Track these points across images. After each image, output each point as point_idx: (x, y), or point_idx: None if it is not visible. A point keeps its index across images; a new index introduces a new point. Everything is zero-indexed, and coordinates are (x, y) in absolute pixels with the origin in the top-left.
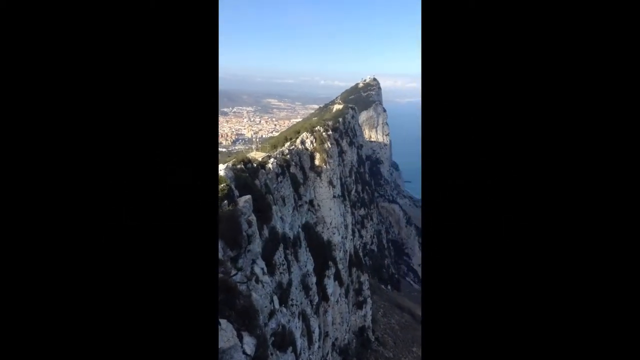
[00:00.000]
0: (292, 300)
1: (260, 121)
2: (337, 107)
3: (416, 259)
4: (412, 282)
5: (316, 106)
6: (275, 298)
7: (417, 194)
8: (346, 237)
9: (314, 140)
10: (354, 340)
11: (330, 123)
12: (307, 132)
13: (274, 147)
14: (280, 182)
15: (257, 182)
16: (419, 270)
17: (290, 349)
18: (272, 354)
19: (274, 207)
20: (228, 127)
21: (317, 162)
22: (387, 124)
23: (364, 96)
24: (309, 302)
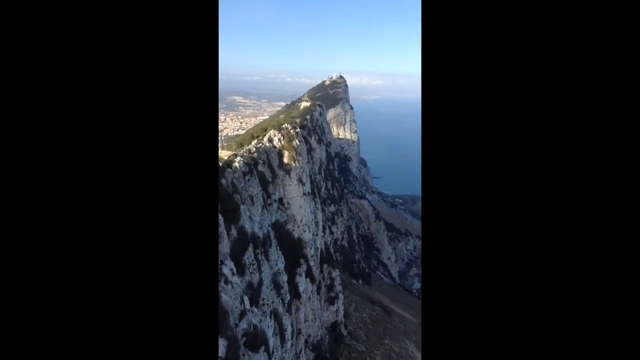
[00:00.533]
0: (263, 299)
1: (225, 119)
2: (305, 104)
3: (385, 253)
4: (382, 275)
5: (283, 104)
6: (245, 298)
7: (385, 190)
8: (317, 234)
9: (281, 138)
10: (327, 336)
11: (298, 120)
12: (274, 129)
13: (241, 145)
14: (248, 180)
15: (223, 181)
16: (388, 263)
17: (262, 348)
18: (243, 355)
19: (242, 207)
20: None
21: (285, 159)
22: (354, 121)
23: (331, 94)
24: (280, 301)
